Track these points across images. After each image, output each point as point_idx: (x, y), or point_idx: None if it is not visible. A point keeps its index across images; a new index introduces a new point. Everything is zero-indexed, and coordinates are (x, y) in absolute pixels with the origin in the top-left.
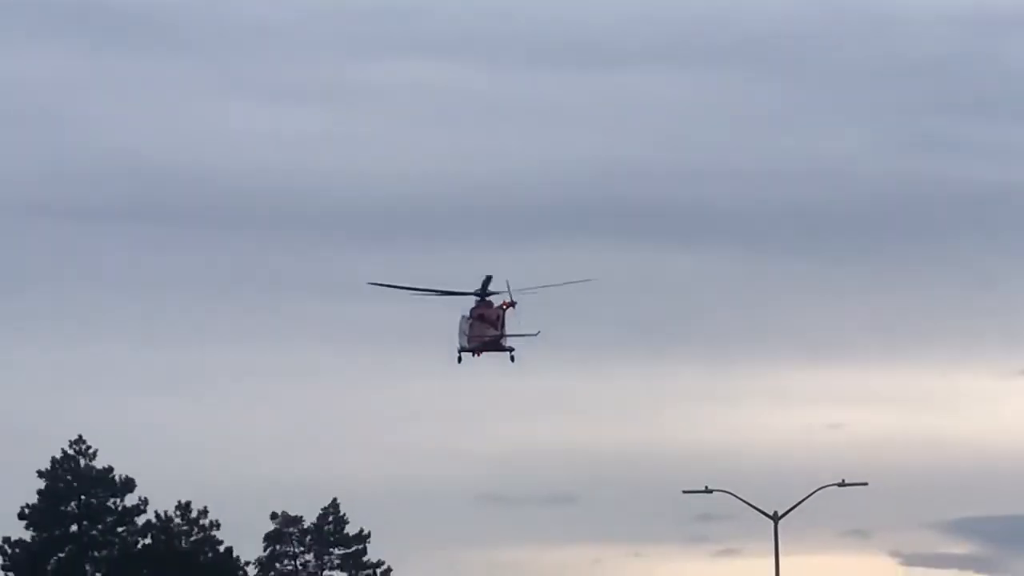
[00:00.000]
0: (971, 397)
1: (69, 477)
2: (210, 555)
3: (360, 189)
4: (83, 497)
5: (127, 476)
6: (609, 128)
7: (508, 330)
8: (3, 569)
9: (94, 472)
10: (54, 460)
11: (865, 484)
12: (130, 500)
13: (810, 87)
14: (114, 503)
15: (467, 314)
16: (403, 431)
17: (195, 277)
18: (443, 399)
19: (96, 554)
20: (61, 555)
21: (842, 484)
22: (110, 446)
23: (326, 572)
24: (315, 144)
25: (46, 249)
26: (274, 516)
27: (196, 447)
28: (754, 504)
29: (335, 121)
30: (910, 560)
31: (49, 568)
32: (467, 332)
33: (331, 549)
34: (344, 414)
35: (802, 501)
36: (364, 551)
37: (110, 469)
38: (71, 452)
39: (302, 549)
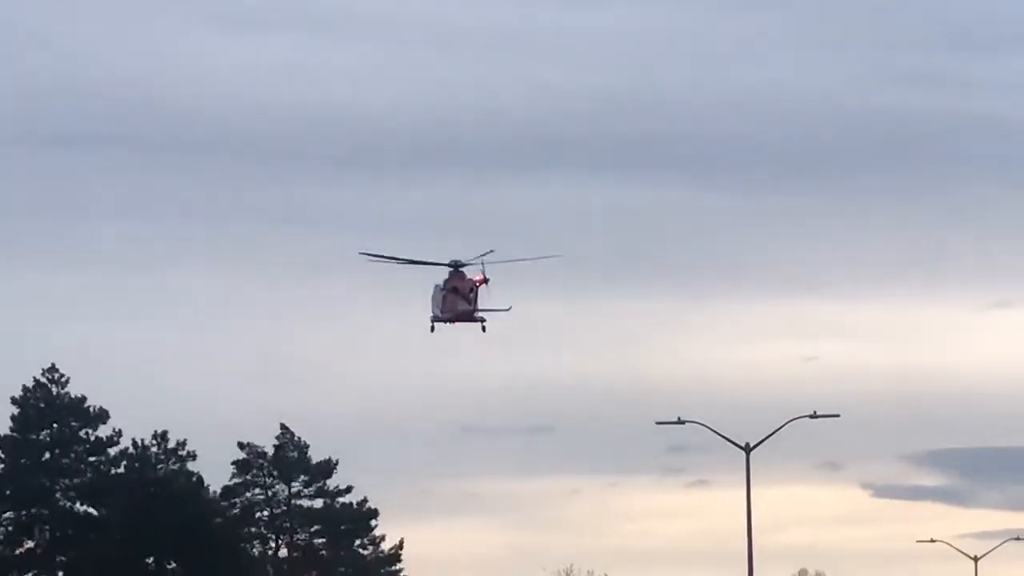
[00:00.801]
0: (944, 330)
1: (42, 406)
2: (183, 483)
3: (337, 119)
4: (55, 426)
5: (100, 407)
6: (581, 62)
7: (480, 304)
8: None
9: (67, 400)
10: (26, 389)
11: (837, 416)
12: (103, 431)
13: (784, 21)
14: (86, 433)
15: (441, 284)
16: (380, 363)
17: (172, 207)
18: (419, 331)
19: (68, 482)
20: (32, 483)
21: (814, 416)
22: (83, 375)
23: (296, 502)
24: (290, 73)
25: (20, 177)
26: (242, 446)
27: (169, 377)
28: (726, 435)
29: (310, 50)
30: (881, 491)
31: (21, 496)
32: (440, 303)
33: (298, 476)
34: (320, 345)
35: (774, 432)
36: (330, 477)
37: (83, 399)
38: (44, 381)
39: (271, 479)
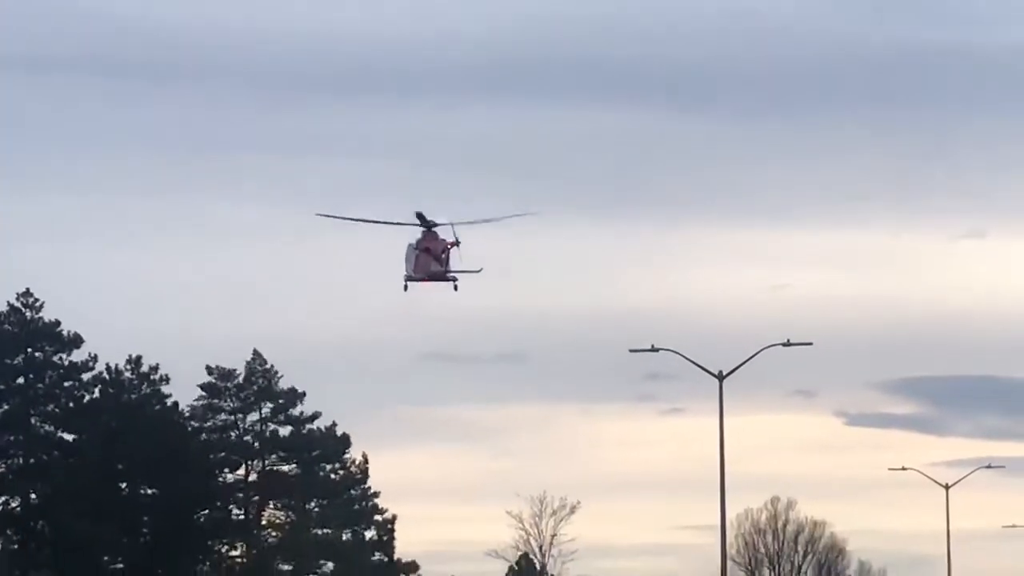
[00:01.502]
0: (918, 258)
1: (16, 330)
2: (157, 408)
3: (322, 45)
4: (29, 351)
5: (74, 332)
6: None
7: (452, 266)
8: None
9: (41, 325)
10: (0, 313)
11: (810, 344)
12: (77, 356)
13: None
14: (60, 358)
15: (414, 243)
16: (352, 289)
17: (148, 131)
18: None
19: (42, 408)
20: (6, 408)
21: (787, 344)
22: (58, 300)
23: (265, 427)
24: None
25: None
26: (210, 370)
27: (144, 302)
28: (699, 363)
29: None
30: (854, 420)
31: None
32: (413, 263)
33: (262, 403)
34: (294, 271)
35: (747, 360)
36: (297, 404)
37: (57, 323)
38: (18, 305)
39: (238, 403)
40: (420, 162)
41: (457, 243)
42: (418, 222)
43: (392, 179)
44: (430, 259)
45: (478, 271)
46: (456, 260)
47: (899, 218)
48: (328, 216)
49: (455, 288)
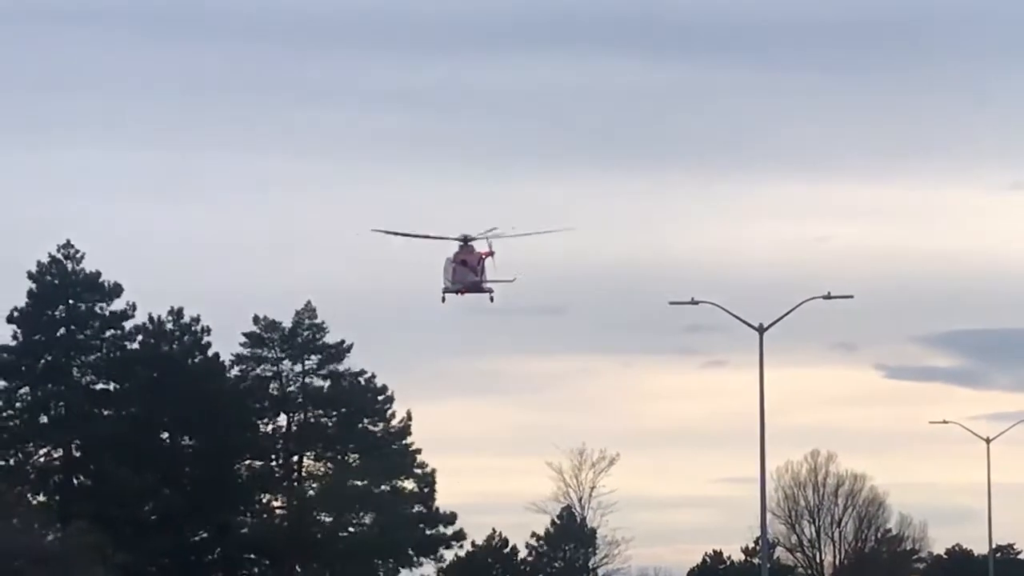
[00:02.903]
0: (960, 211)
1: (56, 282)
2: (198, 359)
3: None
4: (71, 301)
5: (115, 282)
6: None
7: (487, 276)
8: None
9: (82, 276)
10: (41, 264)
11: (851, 297)
12: (117, 305)
13: None
14: (101, 308)
15: (451, 257)
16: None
17: (188, 82)
18: (432, 209)
19: (83, 358)
20: (48, 359)
21: (828, 296)
22: (98, 251)
23: (306, 379)
24: None
25: (34, 51)
26: (256, 320)
27: (185, 253)
28: (739, 316)
29: None
30: (895, 373)
31: (36, 372)
32: (451, 275)
33: (309, 356)
34: (334, 222)
35: (788, 313)
36: (342, 358)
37: (98, 274)
38: (59, 256)
39: (282, 355)
40: (466, 114)
41: (492, 253)
42: (462, 241)
43: (430, 131)
44: (467, 271)
45: (512, 280)
46: (491, 270)
47: (941, 170)
48: (383, 232)
49: (491, 299)
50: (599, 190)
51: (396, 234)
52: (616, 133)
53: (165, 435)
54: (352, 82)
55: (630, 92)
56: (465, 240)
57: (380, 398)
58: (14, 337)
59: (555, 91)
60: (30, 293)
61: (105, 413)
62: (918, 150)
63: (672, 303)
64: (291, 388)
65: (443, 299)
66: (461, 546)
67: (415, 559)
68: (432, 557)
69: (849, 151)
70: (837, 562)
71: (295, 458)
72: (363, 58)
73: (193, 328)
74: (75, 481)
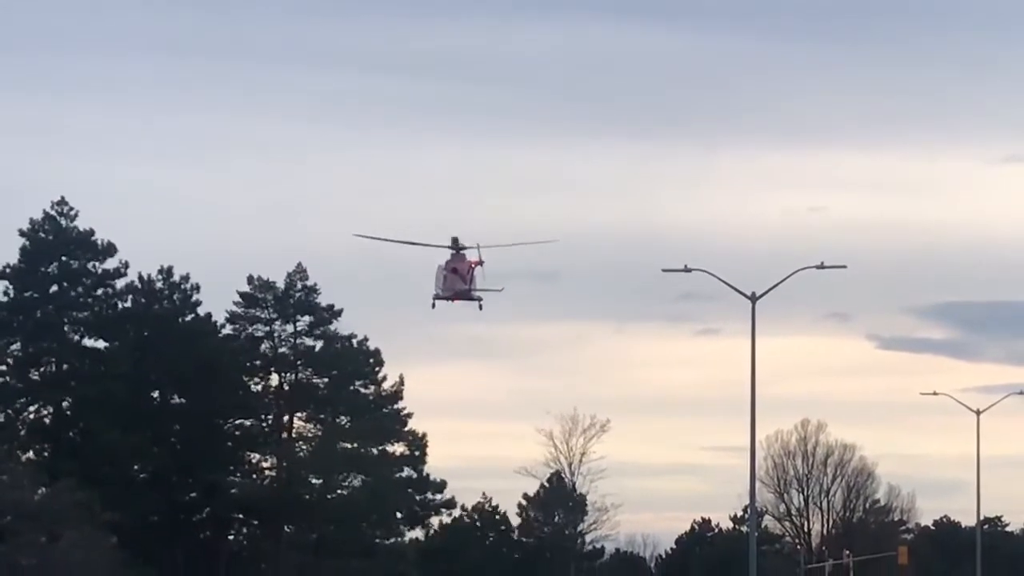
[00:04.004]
0: (954, 182)
1: (50, 239)
2: (189, 318)
3: None
4: (63, 258)
5: (108, 240)
6: None
7: (476, 284)
8: None
9: (75, 234)
10: (34, 221)
11: (844, 267)
12: (110, 263)
13: None
14: (94, 266)
15: (443, 265)
16: (387, 204)
17: (183, 45)
18: (429, 173)
19: (75, 315)
20: (40, 316)
21: (820, 266)
22: (92, 209)
23: (298, 340)
24: None
25: (34, 10)
26: (250, 280)
27: (178, 212)
28: (732, 284)
29: None
30: (887, 343)
31: (28, 328)
32: (441, 282)
33: (300, 316)
34: (326, 185)
35: (781, 282)
36: (334, 320)
37: (91, 232)
38: (53, 213)
39: (276, 315)
40: (464, 80)
41: (481, 262)
42: (451, 247)
43: (438, 96)
44: (457, 278)
45: (500, 290)
46: (480, 278)
47: (936, 141)
48: (365, 237)
49: (480, 307)
50: (594, 156)
51: (379, 239)
52: (613, 101)
53: (155, 394)
54: (351, 46)
55: (629, 61)
56: (456, 247)
57: (371, 361)
58: (6, 293)
59: (554, 58)
60: (23, 250)
61: (96, 371)
62: (914, 122)
63: (665, 270)
64: (283, 349)
65: (433, 305)
66: (451, 513)
67: (404, 525)
68: (420, 524)
69: (845, 122)
70: (825, 531)
71: (285, 419)
72: (363, 22)
73: (183, 287)
74: (65, 439)
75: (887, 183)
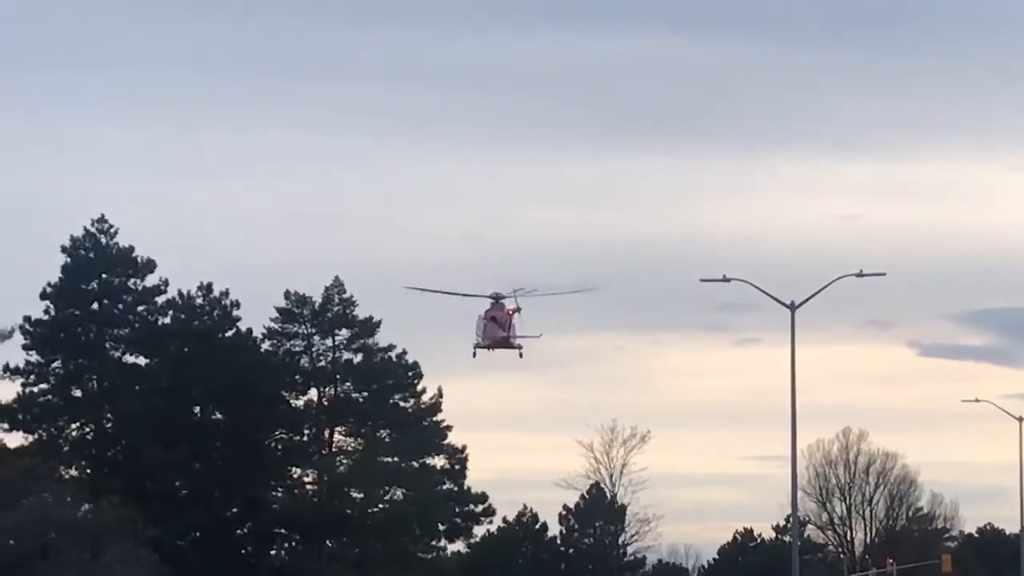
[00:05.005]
0: (993, 188)
1: (91, 256)
2: (229, 334)
3: None
4: (104, 276)
5: (148, 257)
6: None
7: (515, 331)
8: (24, 348)
9: (115, 251)
10: (74, 239)
11: (883, 275)
12: (150, 280)
13: None
14: (134, 283)
15: (482, 314)
16: (426, 217)
17: (222, 59)
18: (465, 184)
19: (116, 332)
20: (81, 333)
21: (860, 274)
22: (132, 226)
23: (337, 354)
24: None
25: (67, 27)
26: (287, 295)
27: (217, 229)
28: (771, 293)
29: None
30: (928, 351)
31: (69, 346)
32: (481, 331)
33: (338, 330)
34: (366, 197)
35: (820, 291)
36: (372, 333)
37: (131, 249)
38: (93, 231)
39: (313, 331)
40: (490, 91)
41: (519, 310)
42: (493, 298)
43: (461, 107)
44: (496, 327)
45: (538, 336)
46: (519, 325)
47: (974, 147)
48: (413, 288)
49: (520, 355)
50: (632, 167)
51: (428, 291)
52: (650, 110)
53: (196, 409)
54: (386, 56)
55: (666, 70)
56: (496, 298)
57: (410, 374)
58: (47, 311)
59: (592, 67)
60: (64, 267)
61: (137, 388)
62: (951, 128)
63: (703, 280)
64: (322, 363)
65: (474, 354)
66: (491, 522)
67: (445, 537)
68: (461, 537)
69: (882, 129)
70: (868, 540)
71: (326, 433)
72: (397, 32)
73: (223, 302)
74: (107, 455)
75: (925, 190)
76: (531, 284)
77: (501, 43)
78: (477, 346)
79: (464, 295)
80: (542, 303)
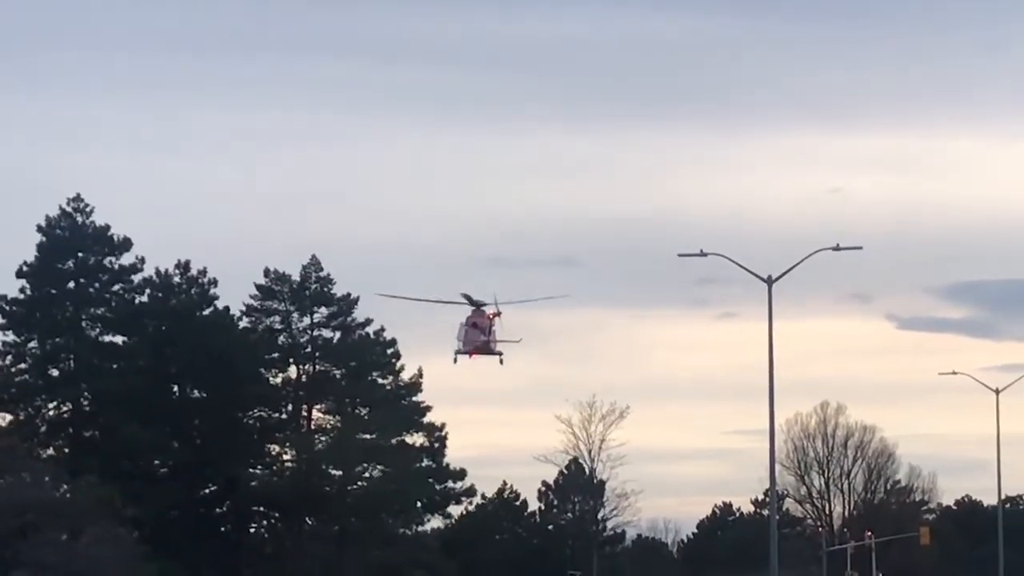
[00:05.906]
0: (971, 162)
1: (66, 235)
2: (206, 312)
3: None
4: (80, 255)
5: (124, 236)
6: None
7: (496, 336)
8: (1, 328)
9: (91, 230)
10: (49, 218)
11: (860, 248)
12: (127, 259)
13: None
14: (110, 261)
15: (464, 321)
16: (404, 193)
17: (196, 37)
18: (445, 161)
19: (92, 312)
20: (57, 312)
21: (836, 248)
22: (108, 205)
23: (315, 332)
24: None
25: (48, 9)
26: (266, 272)
27: (193, 207)
28: (750, 268)
29: None
30: (906, 324)
31: (46, 326)
32: (463, 337)
33: (316, 308)
34: (343, 175)
35: (797, 264)
36: (351, 311)
37: (107, 227)
38: (69, 210)
39: (293, 307)
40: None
41: (499, 314)
42: (466, 302)
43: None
44: (477, 332)
45: (518, 341)
46: (499, 328)
47: (954, 121)
48: (387, 295)
49: (501, 362)
50: (610, 141)
51: (401, 298)
52: (628, 84)
53: (174, 388)
54: (364, 35)
55: (642, 42)
56: (472, 302)
57: (389, 352)
58: (23, 291)
59: (567, 43)
60: (40, 246)
61: (114, 366)
62: (932, 102)
63: (681, 255)
64: (300, 341)
65: (455, 360)
66: (471, 501)
67: (425, 515)
68: (440, 513)
69: (863, 103)
70: (846, 513)
71: (304, 411)
72: (376, 11)
73: (200, 281)
74: (85, 435)
75: (905, 164)
76: (507, 264)
77: (481, 21)
78: (458, 352)
79: (437, 302)
80: (523, 275)
